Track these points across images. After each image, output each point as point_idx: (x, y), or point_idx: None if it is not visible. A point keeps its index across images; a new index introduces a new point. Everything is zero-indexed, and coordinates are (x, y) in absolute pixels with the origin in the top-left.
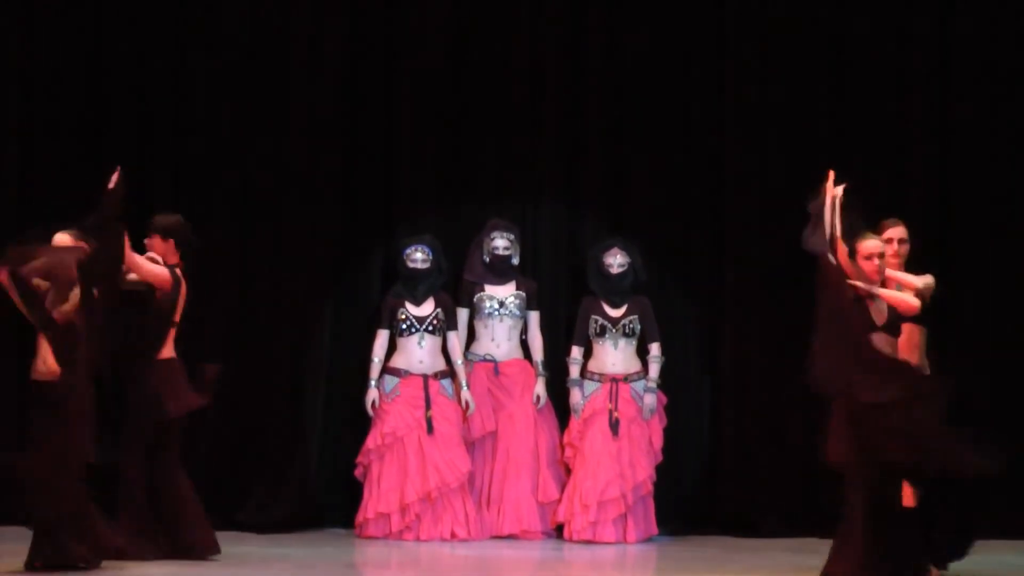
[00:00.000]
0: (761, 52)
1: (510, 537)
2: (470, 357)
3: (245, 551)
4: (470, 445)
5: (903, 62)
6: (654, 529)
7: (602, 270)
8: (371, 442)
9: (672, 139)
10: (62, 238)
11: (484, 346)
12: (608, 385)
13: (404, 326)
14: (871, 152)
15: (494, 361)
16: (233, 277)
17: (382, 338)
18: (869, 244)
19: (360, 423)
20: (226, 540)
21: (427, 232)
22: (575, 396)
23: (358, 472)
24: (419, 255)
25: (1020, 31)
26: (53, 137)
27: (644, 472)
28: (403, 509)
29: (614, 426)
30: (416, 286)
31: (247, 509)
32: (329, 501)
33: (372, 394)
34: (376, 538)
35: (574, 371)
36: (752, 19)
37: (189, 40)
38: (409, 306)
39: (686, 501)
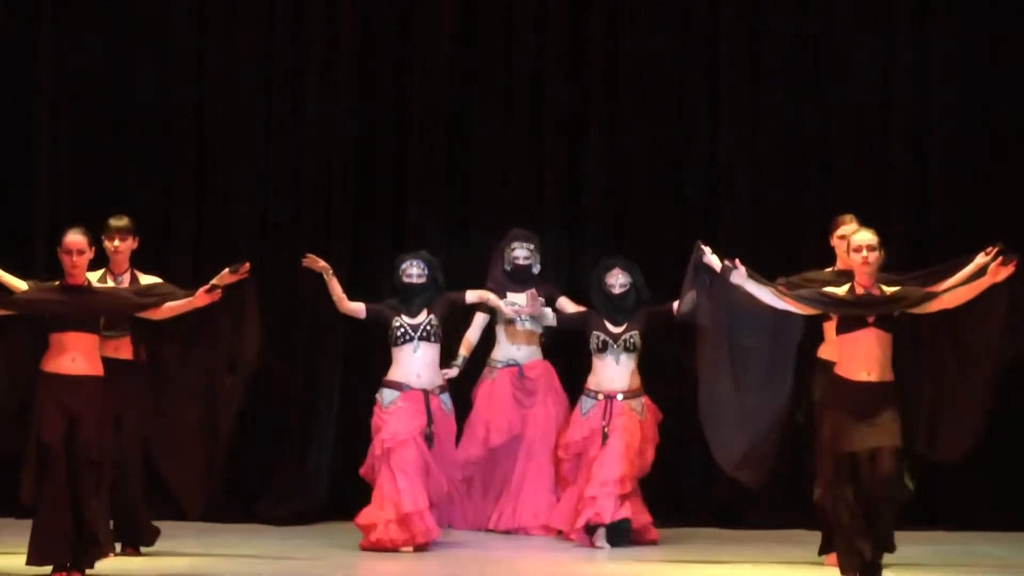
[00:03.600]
0: (753, 68)
1: (518, 531)
2: (493, 364)
3: (263, 542)
4: (493, 449)
5: (886, 71)
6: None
7: (604, 290)
8: (371, 455)
9: (668, 157)
10: (75, 238)
11: (506, 351)
12: (603, 403)
13: (399, 334)
14: (857, 161)
15: (518, 364)
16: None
17: (358, 304)
18: (859, 237)
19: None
20: (245, 532)
21: (436, 249)
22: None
23: (364, 472)
24: (414, 270)
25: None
26: (82, 156)
27: (620, 471)
28: (400, 520)
29: (604, 440)
30: (412, 300)
31: (265, 503)
32: (343, 495)
33: (321, 263)
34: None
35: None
36: (745, 39)
37: (209, 70)
38: (404, 316)
39: (681, 496)
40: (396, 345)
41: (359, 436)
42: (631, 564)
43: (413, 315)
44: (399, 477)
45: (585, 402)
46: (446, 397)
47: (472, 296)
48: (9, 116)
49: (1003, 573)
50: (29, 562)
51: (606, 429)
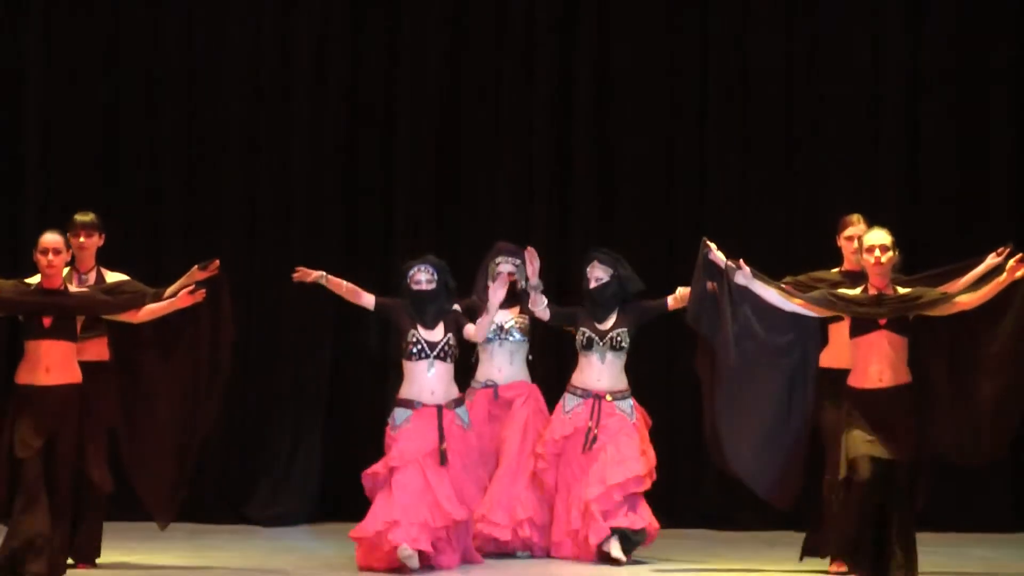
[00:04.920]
0: (744, 67)
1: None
2: (473, 385)
3: (252, 544)
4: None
5: (875, 70)
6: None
7: (584, 284)
8: (378, 469)
9: (657, 160)
10: (52, 238)
11: (486, 372)
12: (591, 402)
13: (414, 350)
14: (847, 156)
15: (495, 386)
16: (240, 289)
17: (369, 296)
18: (871, 237)
19: (362, 422)
20: (234, 533)
21: (426, 249)
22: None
23: (365, 480)
24: (423, 276)
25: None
26: (71, 155)
27: (618, 477)
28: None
29: (590, 442)
30: (424, 309)
31: (254, 504)
32: (332, 496)
33: (314, 273)
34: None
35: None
36: (736, 37)
37: (198, 69)
38: (421, 329)
39: (671, 497)
40: (409, 359)
41: (348, 437)
42: (623, 569)
43: (428, 327)
44: (394, 503)
45: (569, 400)
46: (462, 411)
47: (469, 332)
48: None
49: (991, 573)
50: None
51: (594, 431)
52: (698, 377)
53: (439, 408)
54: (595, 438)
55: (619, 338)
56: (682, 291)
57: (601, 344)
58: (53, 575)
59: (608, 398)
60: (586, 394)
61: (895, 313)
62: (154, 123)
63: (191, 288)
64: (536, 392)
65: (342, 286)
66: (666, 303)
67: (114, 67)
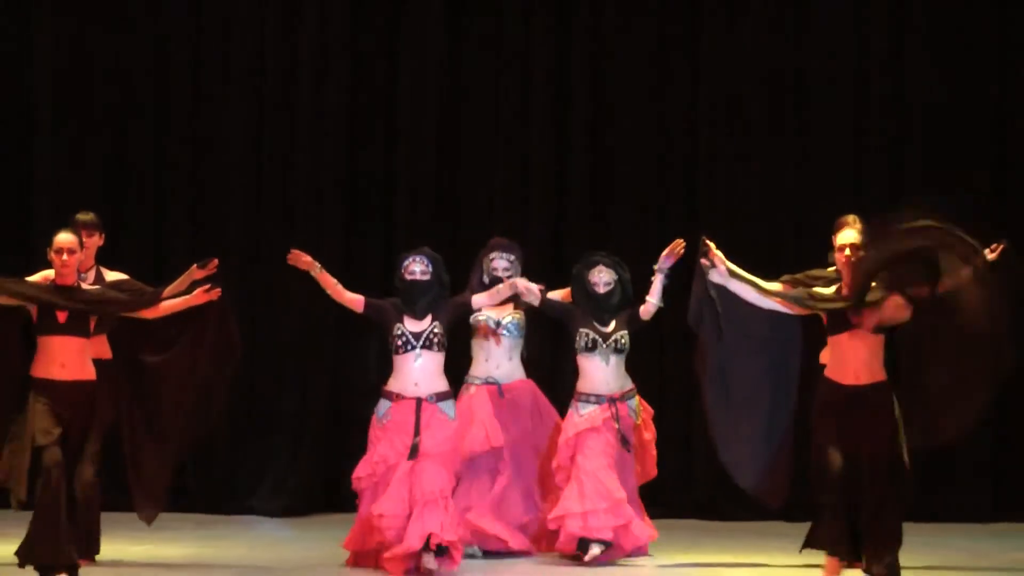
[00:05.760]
0: (734, 66)
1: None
2: (471, 380)
3: (258, 534)
4: (471, 458)
5: (869, 71)
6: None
7: (588, 289)
8: (361, 470)
9: (654, 161)
10: (66, 237)
11: (484, 369)
12: (607, 405)
13: (400, 343)
14: (832, 158)
15: (497, 383)
16: (241, 289)
17: (358, 296)
18: (843, 236)
19: (365, 415)
20: (240, 523)
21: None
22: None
23: (355, 483)
24: (417, 267)
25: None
26: (80, 157)
27: (628, 489)
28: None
29: (625, 442)
30: (415, 300)
31: (260, 495)
32: (335, 487)
33: (306, 258)
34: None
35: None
36: (729, 41)
37: (204, 72)
38: (407, 321)
39: (662, 489)
40: (397, 353)
41: (351, 430)
42: (624, 567)
43: (417, 317)
44: (375, 510)
45: (582, 406)
46: (446, 404)
47: (479, 300)
48: (9, 119)
49: (972, 564)
50: (23, 563)
51: (623, 432)
52: (695, 373)
53: (418, 401)
54: (624, 437)
55: (622, 340)
56: (649, 300)
57: (605, 346)
58: (68, 567)
59: (620, 400)
60: (600, 399)
61: (867, 308)
62: (158, 123)
63: (207, 287)
64: (536, 389)
65: (330, 283)
66: (639, 314)
67: (119, 68)
